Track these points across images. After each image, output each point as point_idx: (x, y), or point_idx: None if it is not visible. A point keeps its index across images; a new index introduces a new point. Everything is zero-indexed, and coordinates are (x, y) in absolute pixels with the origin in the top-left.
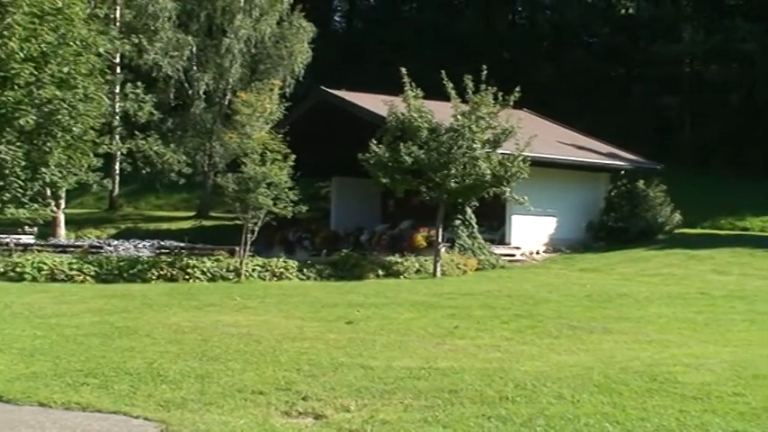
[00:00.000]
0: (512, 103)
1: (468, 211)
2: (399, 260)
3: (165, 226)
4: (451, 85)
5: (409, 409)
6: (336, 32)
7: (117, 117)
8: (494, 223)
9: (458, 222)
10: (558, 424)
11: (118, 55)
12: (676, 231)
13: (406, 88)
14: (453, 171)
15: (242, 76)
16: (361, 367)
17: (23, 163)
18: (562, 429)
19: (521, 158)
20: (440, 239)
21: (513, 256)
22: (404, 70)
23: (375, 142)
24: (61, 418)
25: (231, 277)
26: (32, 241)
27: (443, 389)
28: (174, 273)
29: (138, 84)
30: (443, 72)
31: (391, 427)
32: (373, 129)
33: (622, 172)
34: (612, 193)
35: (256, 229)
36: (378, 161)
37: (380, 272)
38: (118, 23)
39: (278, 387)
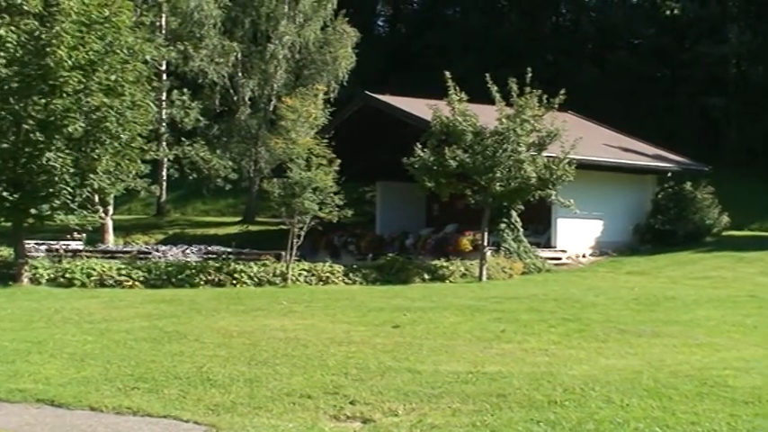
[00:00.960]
0: (556, 106)
1: (514, 214)
2: (445, 264)
3: (211, 231)
4: (496, 88)
5: (457, 413)
6: (380, 37)
7: (164, 124)
8: (539, 226)
9: (503, 226)
10: (608, 428)
11: (164, 62)
12: (724, 233)
13: (450, 92)
14: (498, 174)
15: (286, 81)
16: (408, 371)
17: (72, 170)
18: None
19: (566, 161)
20: (485, 243)
21: (559, 259)
22: (448, 74)
23: (420, 146)
24: (112, 423)
25: (278, 282)
26: (81, 247)
27: (491, 393)
28: (222, 278)
29: (184, 91)
30: (488, 75)
31: (440, 431)
32: (418, 133)
33: (669, 174)
34: (659, 196)
35: (302, 233)
36: (422, 165)
37: (426, 276)
38: (164, 31)
39: (326, 391)
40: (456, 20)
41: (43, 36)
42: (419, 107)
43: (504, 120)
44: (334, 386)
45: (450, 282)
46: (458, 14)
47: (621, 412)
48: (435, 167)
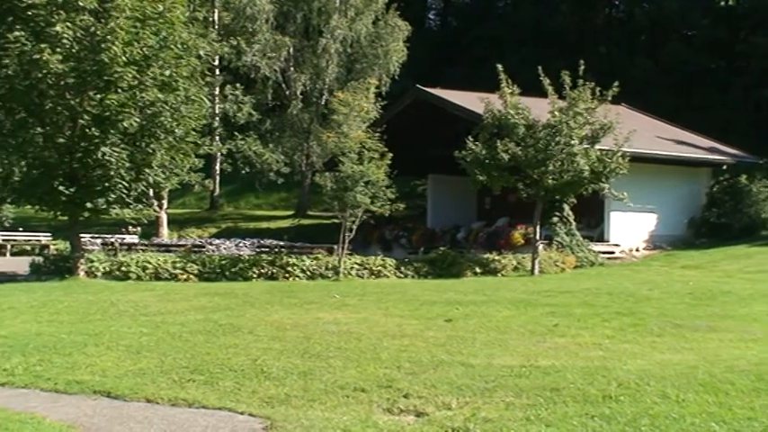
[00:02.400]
0: (609, 99)
1: (566, 207)
2: (497, 258)
3: (264, 225)
4: (548, 80)
5: (511, 407)
6: (431, 30)
7: (217, 118)
8: (592, 220)
9: (555, 219)
10: (663, 423)
11: (217, 57)
12: None
13: (502, 85)
14: (551, 167)
15: (338, 75)
16: (461, 365)
17: (127, 164)
18: (667, 429)
19: (619, 154)
20: (537, 237)
21: (613, 253)
22: (500, 67)
23: (471, 139)
24: (168, 414)
25: (330, 275)
26: (136, 241)
27: (545, 387)
28: (275, 271)
29: (237, 85)
30: (540, 68)
31: (494, 425)
32: (469, 126)
33: (724, 167)
34: (714, 189)
35: (354, 227)
36: (474, 158)
37: (478, 269)
38: (216, 26)
39: (379, 384)
40: (507, 12)
41: (98, 32)
42: (471, 100)
43: (556, 113)
44: (388, 379)
45: (502, 275)
46: (509, 7)
47: (677, 408)
48: (487, 161)
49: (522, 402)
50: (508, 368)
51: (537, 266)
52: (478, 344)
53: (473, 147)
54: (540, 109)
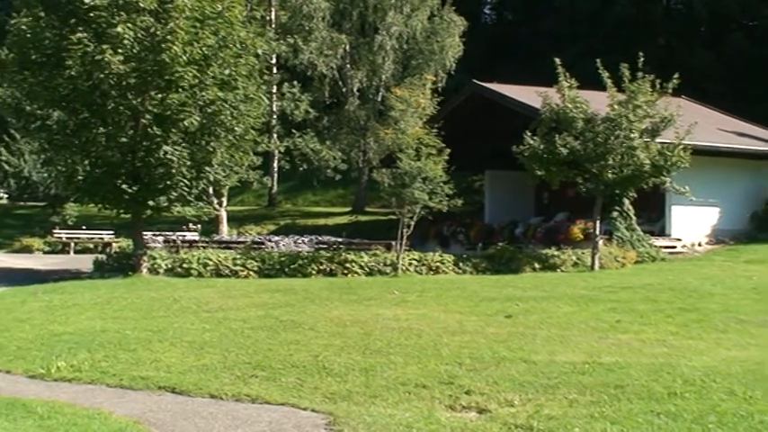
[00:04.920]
0: (670, 91)
1: (626, 202)
2: (556, 253)
3: (321, 222)
4: (607, 74)
5: (575, 404)
6: (486, 25)
7: (275, 116)
8: (652, 214)
9: (615, 214)
10: (731, 421)
11: (274, 56)
12: None
13: (560, 78)
14: (610, 161)
15: (394, 72)
16: (523, 361)
17: (188, 163)
18: (735, 427)
19: (681, 147)
20: (597, 232)
21: (674, 248)
22: (558, 60)
23: (529, 134)
24: (232, 410)
25: (388, 271)
26: (197, 238)
27: (609, 384)
28: (333, 267)
29: (294, 83)
30: (598, 61)
31: (557, 422)
32: (526, 121)
33: None
34: None
35: (412, 223)
36: (532, 153)
37: (537, 265)
38: (273, 25)
39: (441, 381)
40: (564, 6)
41: (159, 32)
42: (528, 95)
43: (615, 106)
44: (449, 376)
45: (562, 271)
46: (566, 0)
47: (745, 405)
48: (546, 155)
49: (585, 399)
50: (571, 365)
51: (597, 262)
52: (540, 340)
53: (531, 141)
54: (599, 103)
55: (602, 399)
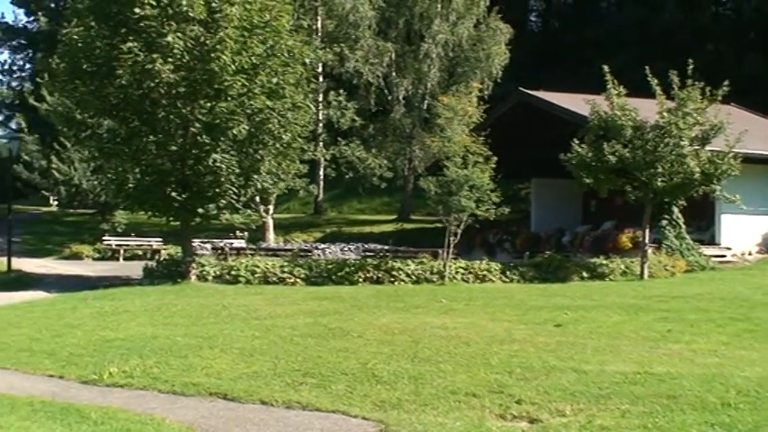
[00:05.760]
0: (719, 98)
1: (675, 210)
2: (604, 262)
3: (367, 229)
4: (656, 81)
5: (627, 414)
6: (532, 32)
7: (321, 124)
8: (702, 223)
9: (664, 222)
10: None
11: (320, 64)
12: None
13: (608, 86)
14: (660, 169)
15: (440, 80)
16: (573, 371)
17: (237, 171)
18: None
19: (731, 155)
20: (646, 240)
21: (724, 257)
22: (606, 68)
23: (577, 142)
24: (283, 417)
25: (435, 280)
26: (244, 245)
27: (661, 394)
28: (380, 275)
29: (341, 91)
30: (647, 68)
31: None
32: (574, 129)
33: None
34: None
35: (459, 231)
36: (580, 161)
37: (585, 274)
38: (320, 34)
39: (491, 390)
40: (611, 12)
41: (208, 42)
42: (575, 102)
43: (665, 113)
44: (499, 385)
45: (611, 280)
46: (612, 7)
47: None
48: (594, 163)
49: (638, 410)
50: (622, 375)
51: (646, 271)
52: (590, 350)
53: (579, 149)
54: (647, 110)
55: (655, 409)
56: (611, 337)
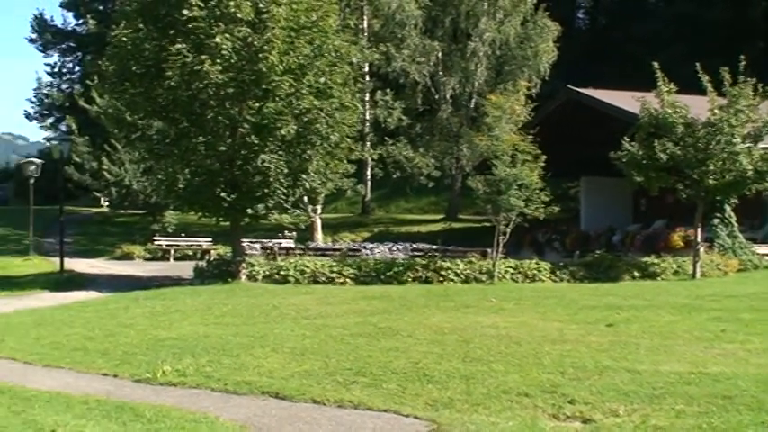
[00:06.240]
0: None
1: (728, 209)
2: (656, 261)
3: (414, 229)
4: (707, 77)
5: (682, 415)
6: (580, 30)
7: (368, 124)
8: (755, 222)
9: (716, 221)
10: None
11: (367, 64)
12: None
13: (658, 83)
14: (711, 167)
15: (487, 78)
16: (626, 371)
17: (285, 171)
18: None
19: None
20: (698, 239)
21: None
22: (656, 64)
23: (627, 140)
24: (335, 416)
25: (484, 279)
26: (293, 245)
27: (716, 395)
28: (429, 274)
29: (387, 91)
30: (698, 65)
31: None
32: (623, 126)
33: None
34: None
35: (508, 230)
36: (631, 159)
37: (636, 273)
38: (366, 33)
39: (543, 389)
40: (660, 9)
41: (256, 43)
42: (624, 100)
43: (716, 110)
44: (552, 385)
45: (662, 279)
46: (662, 3)
47: None
48: (644, 161)
49: (693, 410)
50: (676, 374)
51: (698, 270)
52: (643, 349)
53: (629, 147)
54: (698, 107)
55: (711, 409)
56: (664, 336)
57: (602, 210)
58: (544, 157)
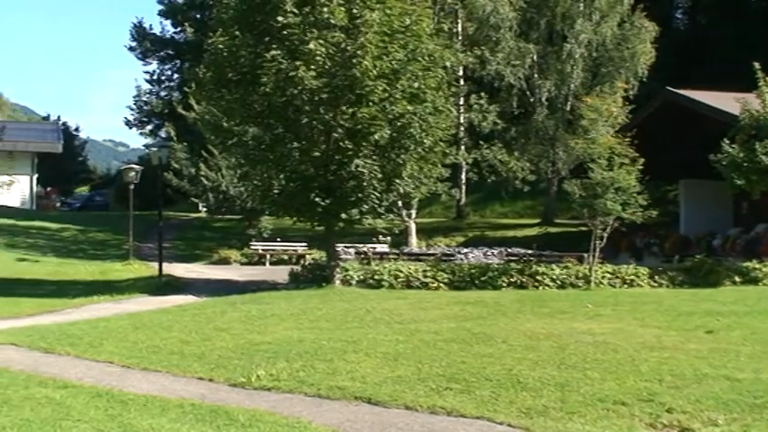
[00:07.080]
0: None
1: None
2: (757, 266)
3: (510, 233)
4: None
5: None
6: (678, 30)
7: (462, 128)
8: None
9: None
10: None
11: (461, 67)
12: None
13: (759, 83)
14: None
15: (583, 80)
16: (726, 379)
17: (379, 175)
18: None
19: None
20: None
21: None
22: (756, 65)
23: (727, 142)
24: (428, 422)
25: (580, 284)
26: (387, 250)
27: None
28: (524, 280)
29: (482, 94)
30: None
31: None
32: (723, 128)
33: None
34: None
35: (605, 235)
36: (731, 162)
37: (737, 278)
38: (460, 37)
39: (640, 398)
40: (762, 8)
41: (349, 48)
42: (724, 101)
43: None
44: (649, 393)
45: (764, 285)
46: (763, 2)
47: None
48: (745, 164)
49: None
50: None
51: None
52: (743, 357)
53: (729, 149)
54: None
55: None
56: (766, 344)
57: (701, 213)
58: (642, 159)
